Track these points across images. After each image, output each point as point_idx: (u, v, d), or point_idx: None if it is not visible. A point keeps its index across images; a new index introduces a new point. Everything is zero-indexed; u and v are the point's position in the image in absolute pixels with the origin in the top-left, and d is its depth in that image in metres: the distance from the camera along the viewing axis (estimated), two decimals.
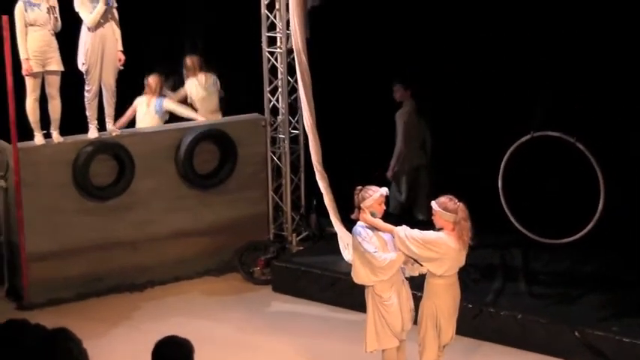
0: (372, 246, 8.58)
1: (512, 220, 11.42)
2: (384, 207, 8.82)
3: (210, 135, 12.19)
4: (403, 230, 8.56)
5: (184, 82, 12.80)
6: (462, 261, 8.63)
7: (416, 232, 8.56)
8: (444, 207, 8.61)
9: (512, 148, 11.31)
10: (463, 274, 9.48)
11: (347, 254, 11.68)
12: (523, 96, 11.77)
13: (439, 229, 8.61)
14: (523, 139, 11.21)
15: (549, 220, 11.33)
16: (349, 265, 11.40)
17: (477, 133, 12.31)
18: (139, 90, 12.59)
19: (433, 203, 8.70)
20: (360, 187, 8.78)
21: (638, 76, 11.33)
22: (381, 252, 8.57)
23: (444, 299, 8.64)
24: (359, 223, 8.71)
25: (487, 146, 11.81)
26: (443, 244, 8.51)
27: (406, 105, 12.51)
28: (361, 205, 8.69)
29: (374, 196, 8.69)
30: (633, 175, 11.34)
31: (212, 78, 12.86)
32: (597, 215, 10.90)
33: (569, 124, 11.01)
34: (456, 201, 8.63)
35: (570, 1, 11.35)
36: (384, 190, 8.79)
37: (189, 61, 12.86)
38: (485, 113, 12.32)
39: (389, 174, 12.57)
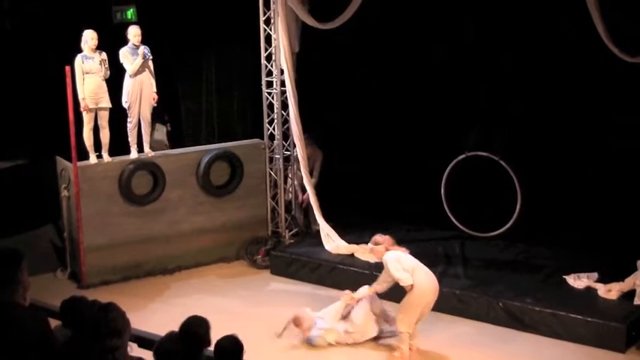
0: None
1: (452, 219, 11.50)
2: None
3: (223, 155, 12.17)
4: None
5: None
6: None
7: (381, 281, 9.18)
8: (375, 242, 9.23)
9: (451, 165, 11.41)
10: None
11: (326, 243, 11.77)
12: (458, 125, 11.84)
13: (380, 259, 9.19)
14: (459, 157, 11.31)
15: (480, 218, 11.39)
16: (329, 254, 11.56)
17: (424, 155, 12.29)
18: None
19: (369, 245, 9.36)
20: None
21: (548, 108, 11.45)
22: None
23: (426, 285, 8.96)
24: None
25: (432, 164, 11.82)
26: (396, 256, 9.05)
27: (316, 151, 12.43)
28: None
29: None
30: (543, 184, 11.43)
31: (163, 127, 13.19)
32: (515, 215, 11.01)
33: (494, 146, 11.09)
34: (382, 235, 9.21)
35: (497, 35, 11.39)
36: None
37: None
38: (429, 139, 12.31)
39: (305, 198, 12.42)
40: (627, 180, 10.82)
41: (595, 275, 10.28)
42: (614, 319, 9.30)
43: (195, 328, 5.16)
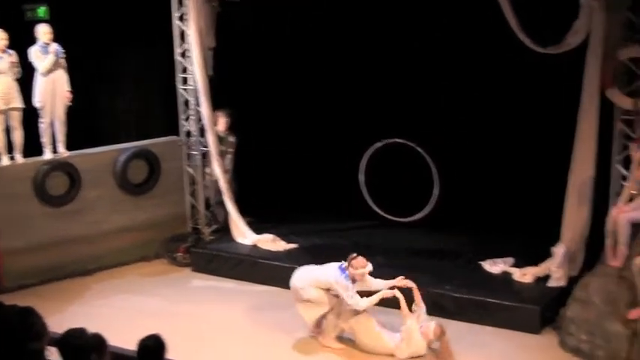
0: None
1: (371, 204, 11.55)
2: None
3: (140, 153, 12.16)
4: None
5: None
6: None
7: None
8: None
9: (368, 152, 11.48)
10: (336, 251, 9.70)
11: (235, 234, 11.92)
12: (376, 114, 12.00)
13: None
14: (377, 144, 11.39)
15: (399, 204, 11.48)
16: (251, 249, 11.61)
17: (343, 143, 12.44)
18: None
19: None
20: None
21: (465, 96, 11.69)
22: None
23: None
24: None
25: (351, 153, 11.89)
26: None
27: (231, 134, 12.31)
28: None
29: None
30: (460, 170, 11.65)
31: None
32: (432, 200, 11.13)
33: (411, 133, 11.22)
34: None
35: (416, 22, 11.57)
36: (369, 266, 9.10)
37: None
38: (348, 128, 12.50)
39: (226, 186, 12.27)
40: (542, 167, 11.05)
41: (511, 260, 10.55)
42: (529, 301, 9.58)
43: (71, 339, 5.06)
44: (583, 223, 9.78)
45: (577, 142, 9.56)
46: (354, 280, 8.92)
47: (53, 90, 11.27)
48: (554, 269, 9.90)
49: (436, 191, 11.07)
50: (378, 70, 12.15)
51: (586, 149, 9.50)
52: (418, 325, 8.93)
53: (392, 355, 8.95)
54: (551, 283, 9.89)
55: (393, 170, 11.90)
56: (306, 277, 9.16)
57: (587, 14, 9.10)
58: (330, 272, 8.94)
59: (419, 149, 11.06)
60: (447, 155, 11.41)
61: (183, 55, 12.19)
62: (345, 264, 8.92)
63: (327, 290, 9.03)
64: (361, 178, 11.55)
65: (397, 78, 12.06)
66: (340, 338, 9.28)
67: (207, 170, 12.33)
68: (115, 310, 10.22)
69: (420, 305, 9.07)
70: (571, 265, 9.92)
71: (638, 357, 8.41)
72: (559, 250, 9.86)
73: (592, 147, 9.47)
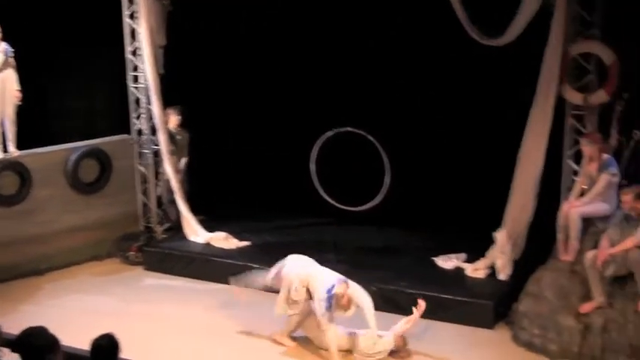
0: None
1: (323, 194, 11.47)
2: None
3: (91, 152, 12.04)
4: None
5: None
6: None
7: None
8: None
9: (319, 142, 11.40)
10: (289, 248, 9.66)
11: (188, 232, 11.86)
12: (327, 103, 12.03)
13: None
14: (328, 133, 11.33)
15: (350, 193, 11.39)
16: (203, 247, 11.57)
17: (293, 136, 12.38)
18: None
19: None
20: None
21: (416, 85, 11.69)
22: None
23: None
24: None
25: (301, 145, 11.72)
26: None
27: (183, 132, 12.21)
28: None
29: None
30: (410, 159, 11.63)
31: None
32: (384, 188, 11.08)
33: (362, 121, 11.20)
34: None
35: (367, 16, 11.59)
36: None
37: None
38: (298, 120, 12.45)
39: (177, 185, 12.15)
40: (494, 160, 11.00)
41: (463, 256, 10.62)
42: (482, 296, 9.65)
43: (29, 338, 4.96)
44: (527, 214, 9.87)
45: (528, 135, 9.60)
46: (332, 307, 8.72)
47: (2, 89, 11.09)
48: (499, 254, 10.01)
49: (387, 180, 11.01)
50: (328, 58, 12.12)
51: (537, 143, 9.55)
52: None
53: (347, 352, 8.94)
54: (501, 276, 10.01)
55: (345, 159, 11.85)
56: (301, 272, 8.99)
57: (526, 11, 9.17)
58: (320, 287, 8.73)
59: (370, 137, 10.99)
60: (399, 144, 11.36)
61: (134, 53, 12.10)
62: (334, 289, 8.69)
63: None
64: (312, 167, 11.44)
65: (347, 67, 12.05)
66: (292, 337, 9.25)
67: (162, 170, 12.24)
68: (67, 310, 10.11)
69: (409, 325, 8.92)
70: (514, 250, 10.03)
71: (590, 351, 8.50)
72: (500, 235, 9.99)
73: (543, 140, 9.52)
